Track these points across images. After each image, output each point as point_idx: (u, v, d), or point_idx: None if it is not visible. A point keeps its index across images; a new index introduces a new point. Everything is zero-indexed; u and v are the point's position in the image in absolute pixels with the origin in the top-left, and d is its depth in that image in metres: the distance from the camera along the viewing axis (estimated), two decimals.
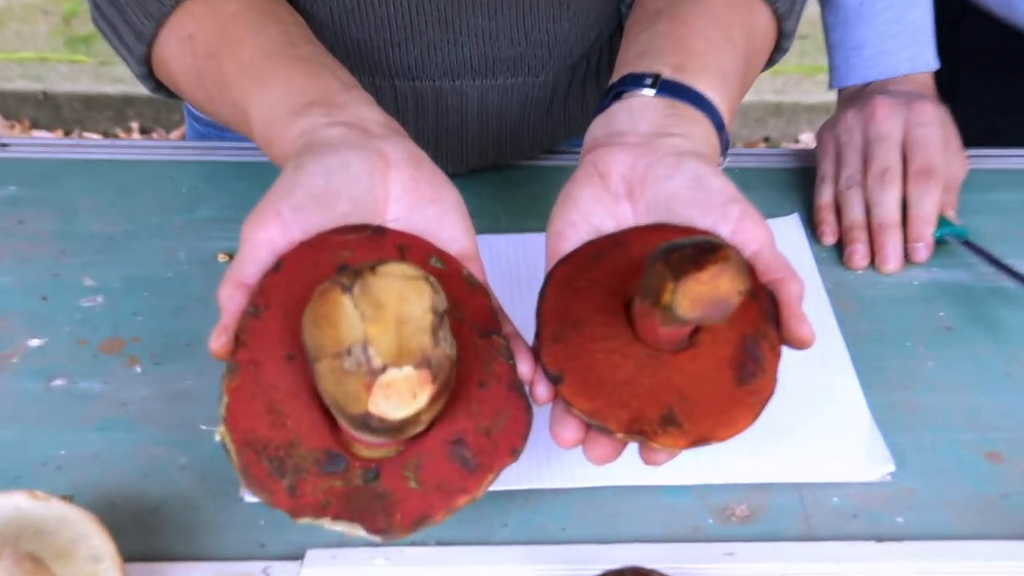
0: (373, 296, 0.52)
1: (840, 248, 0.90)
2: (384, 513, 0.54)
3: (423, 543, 0.67)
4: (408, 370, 0.51)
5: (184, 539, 0.67)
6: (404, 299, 0.53)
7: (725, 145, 0.72)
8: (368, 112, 0.67)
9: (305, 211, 0.60)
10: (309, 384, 0.56)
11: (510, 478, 0.71)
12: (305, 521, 0.54)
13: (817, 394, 0.77)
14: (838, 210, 0.92)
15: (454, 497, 0.55)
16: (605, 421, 0.57)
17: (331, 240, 0.60)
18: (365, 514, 0.54)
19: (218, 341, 0.58)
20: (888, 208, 0.89)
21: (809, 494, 0.71)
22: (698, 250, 0.55)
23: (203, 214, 0.91)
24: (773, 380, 0.60)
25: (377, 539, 0.54)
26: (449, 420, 0.57)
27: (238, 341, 0.57)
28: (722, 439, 0.58)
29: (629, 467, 0.71)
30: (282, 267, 0.59)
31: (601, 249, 0.64)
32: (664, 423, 0.57)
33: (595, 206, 0.66)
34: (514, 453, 0.57)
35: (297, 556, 0.65)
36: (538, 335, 0.61)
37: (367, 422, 0.52)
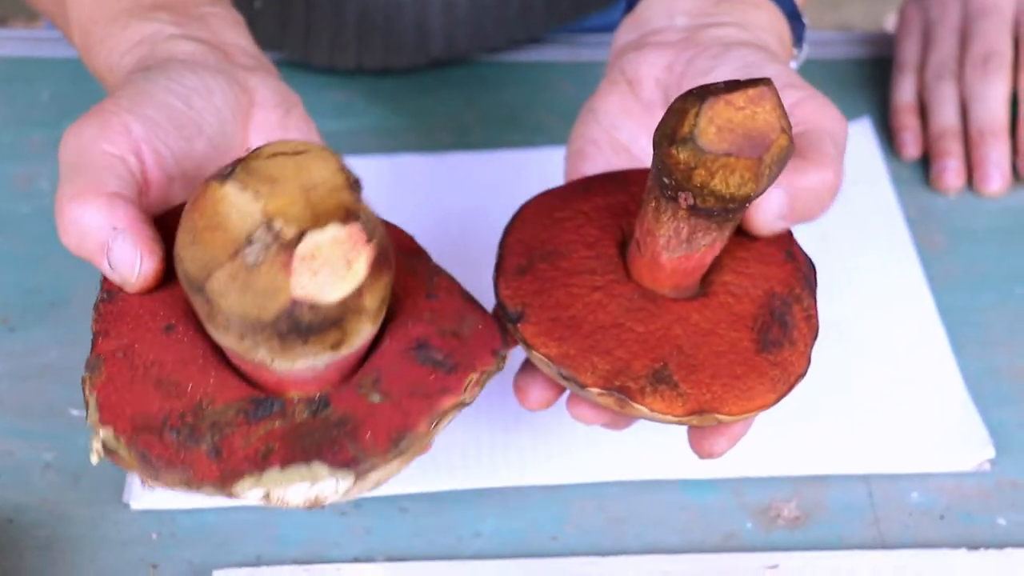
0: (263, 174, 0.52)
1: (926, 163, 0.90)
2: (349, 438, 0.54)
3: (368, 559, 0.68)
4: (333, 228, 0.51)
5: (47, 560, 0.67)
6: (303, 168, 0.52)
7: (799, 36, 0.73)
8: (233, 36, 0.67)
9: (161, 134, 0.60)
10: (204, 348, 0.56)
11: (484, 474, 0.71)
12: (246, 489, 0.53)
13: (892, 357, 0.77)
14: (923, 112, 0.91)
15: (436, 399, 0.55)
16: (576, 371, 0.57)
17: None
18: (324, 447, 0.53)
19: (152, 258, 0.56)
20: (992, 107, 0.88)
21: (880, 489, 0.71)
22: (730, 82, 0.54)
23: None
24: (805, 357, 0.60)
25: (349, 481, 0.53)
26: (400, 331, 0.57)
27: (95, 333, 0.57)
28: (732, 415, 0.57)
29: (640, 456, 0.72)
30: None
31: (592, 183, 0.65)
32: (654, 380, 0.57)
33: (622, 119, 0.67)
34: (496, 354, 0.57)
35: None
36: (498, 267, 0.61)
37: (296, 318, 0.52)
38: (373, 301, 0.53)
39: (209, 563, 0.67)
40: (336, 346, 0.53)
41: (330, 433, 0.54)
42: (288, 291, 0.51)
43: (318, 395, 0.55)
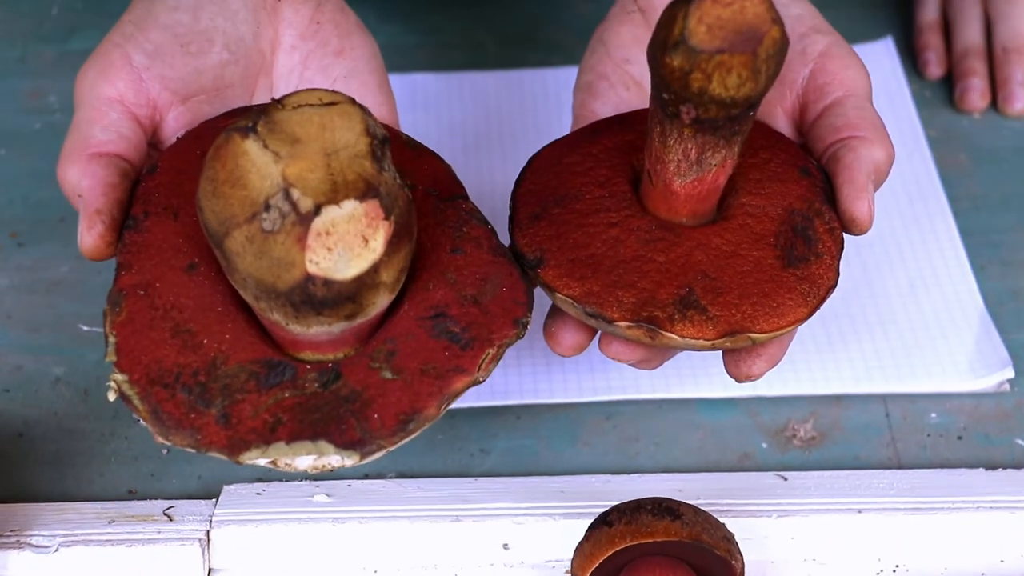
0: (286, 132, 0.51)
1: (949, 83, 0.89)
2: (356, 417, 0.53)
3: (379, 475, 0.67)
4: (351, 204, 0.50)
5: (57, 474, 0.67)
6: (327, 128, 0.52)
7: None
8: None
9: (166, 58, 0.59)
10: (224, 293, 0.55)
11: (494, 390, 0.71)
12: (253, 459, 0.53)
13: (912, 277, 0.76)
14: (946, 31, 0.90)
15: (448, 380, 0.54)
16: (602, 308, 0.56)
17: (219, 126, 0.59)
18: (331, 425, 0.53)
19: (91, 232, 0.56)
20: (1017, 25, 0.87)
21: (898, 409, 0.70)
22: None
23: (82, 44, 0.90)
24: (833, 270, 0.58)
25: (354, 459, 0.53)
26: (420, 295, 0.56)
27: (118, 264, 0.56)
28: (766, 332, 0.56)
29: (655, 374, 0.71)
30: (159, 167, 0.58)
31: (599, 126, 0.64)
32: (682, 306, 0.56)
33: (634, 50, 0.65)
34: (517, 324, 0.56)
35: (210, 494, 0.66)
36: (512, 218, 0.60)
37: (309, 293, 0.51)
38: (390, 275, 0.53)
39: (219, 478, 0.67)
40: (351, 317, 0.53)
41: (338, 410, 0.53)
42: (302, 266, 0.50)
43: (331, 363, 0.54)
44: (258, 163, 0.51)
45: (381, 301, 0.53)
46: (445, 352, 0.55)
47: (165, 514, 0.64)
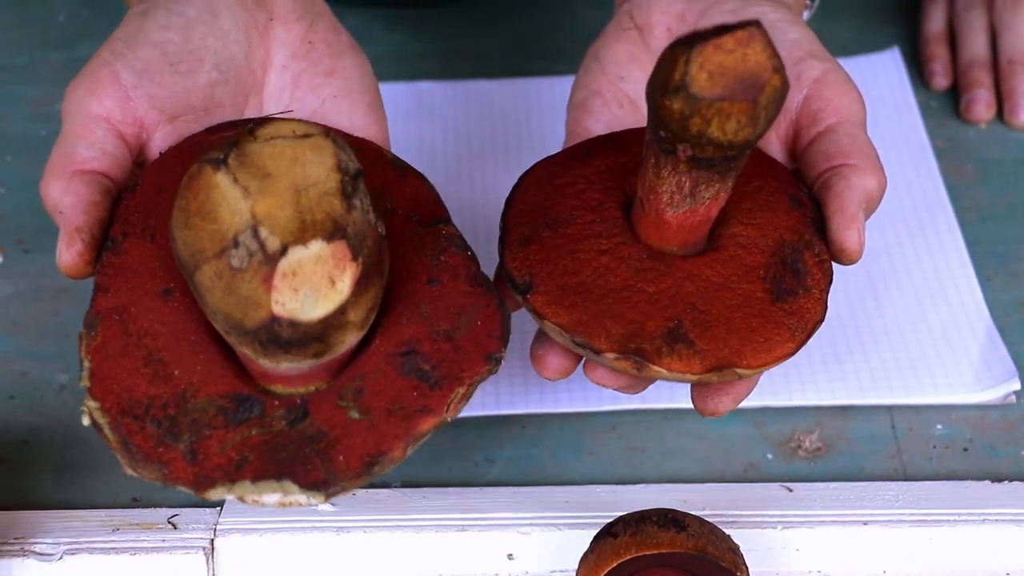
0: (257, 165, 0.51)
1: (955, 94, 0.89)
2: (321, 458, 0.53)
3: (384, 484, 0.67)
4: (318, 245, 0.50)
5: (62, 481, 0.67)
6: (299, 162, 0.51)
7: None
8: None
9: (155, 77, 0.59)
10: (197, 320, 0.55)
11: (499, 400, 0.70)
12: (219, 495, 0.53)
13: (917, 288, 0.76)
14: (952, 42, 0.90)
15: (414, 421, 0.54)
16: (590, 338, 0.56)
17: (203, 142, 0.59)
18: (296, 465, 0.53)
19: (70, 250, 0.56)
20: (1022, 37, 0.87)
21: (903, 420, 0.70)
22: (719, 27, 0.53)
23: (88, 51, 0.89)
24: (821, 304, 0.58)
25: (319, 500, 0.54)
26: (392, 329, 0.56)
27: (96, 286, 0.56)
28: (753, 367, 0.56)
29: (660, 384, 0.70)
30: (139, 186, 0.58)
31: (592, 146, 0.63)
32: (670, 339, 0.56)
33: (630, 68, 0.65)
34: (489, 360, 0.56)
35: (215, 503, 0.66)
36: (503, 240, 0.60)
37: (275, 333, 0.51)
38: (358, 315, 0.52)
39: None
40: (318, 355, 0.53)
41: (303, 450, 0.53)
42: (268, 306, 0.50)
43: (299, 400, 0.54)
44: (228, 197, 0.50)
45: (350, 339, 0.53)
46: (413, 392, 0.54)
47: (170, 522, 0.64)
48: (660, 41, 0.65)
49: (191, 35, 0.60)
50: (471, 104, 0.88)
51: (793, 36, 0.63)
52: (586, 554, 0.58)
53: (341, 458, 0.53)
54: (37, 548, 0.62)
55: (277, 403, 0.54)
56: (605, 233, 0.59)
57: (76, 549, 0.62)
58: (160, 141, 0.60)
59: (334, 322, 0.51)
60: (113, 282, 0.56)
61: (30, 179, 0.82)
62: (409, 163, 0.61)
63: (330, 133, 0.52)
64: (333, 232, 0.50)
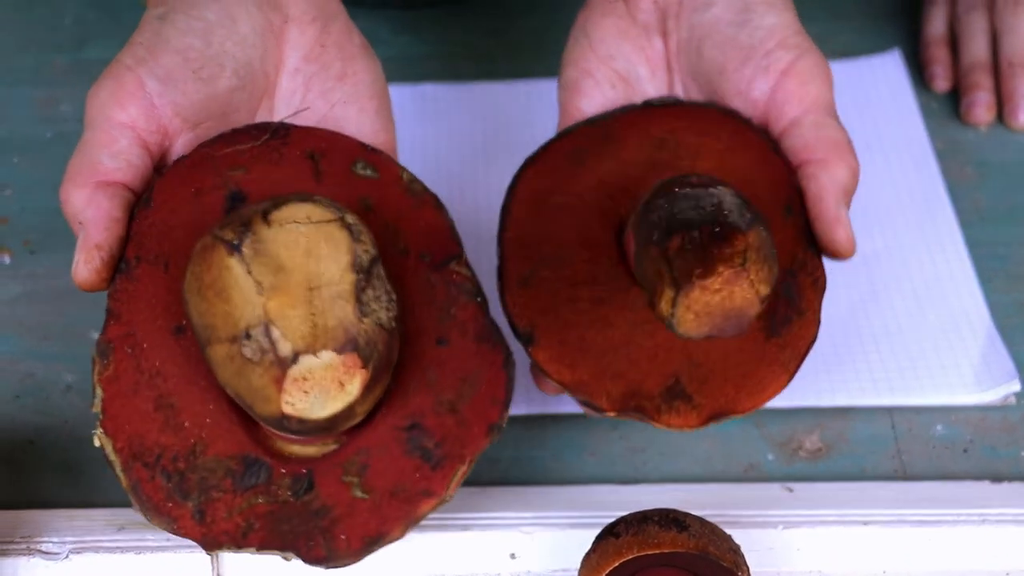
0: (270, 256, 0.51)
1: (956, 96, 0.89)
2: (324, 535, 0.55)
3: None
4: (328, 356, 0.51)
5: (68, 481, 0.67)
6: (313, 255, 0.52)
7: None
8: None
9: (178, 84, 0.59)
10: (206, 366, 0.55)
11: None
12: (224, 552, 0.55)
13: (918, 289, 0.76)
14: (954, 44, 0.90)
15: (415, 504, 0.55)
16: (592, 397, 0.58)
17: (216, 155, 0.59)
18: (300, 539, 0.54)
19: (88, 267, 0.56)
20: (1023, 39, 0.87)
21: (904, 421, 0.70)
22: (708, 238, 0.54)
23: (95, 53, 0.90)
24: (814, 323, 0.60)
25: (320, 570, 0.55)
26: (399, 398, 0.56)
27: (108, 310, 0.56)
28: (746, 411, 0.59)
29: None
30: (153, 201, 0.58)
31: (584, 145, 0.64)
32: (669, 397, 0.58)
33: (619, 44, 0.65)
34: (491, 431, 0.57)
35: None
36: (502, 274, 0.61)
37: (284, 425, 0.53)
38: (366, 408, 0.54)
39: None
40: (328, 434, 0.55)
41: (307, 524, 0.54)
42: (278, 403, 0.52)
43: (305, 471, 0.55)
44: (241, 285, 0.51)
45: (356, 422, 0.55)
46: (416, 473, 0.55)
47: None
48: (647, 14, 0.65)
49: (211, 40, 0.60)
50: (475, 106, 0.89)
51: (769, 22, 0.63)
52: (588, 553, 0.58)
53: (343, 537, 0.55)
54: (43, 547, 0.62)
55: (284, 471, 0.55)
56: (601, 277, 0.60)
57: (82, 548, 0.62)
58: (181, 148, 0.60)
59: (342, 416, 0.53)
60: (126, 310, 0.56)
61: (37, 180, 0.82)
62: (420, 178, 0.61)
63: (345, 218, 0.53)
64: (344, 343, 0.51)
